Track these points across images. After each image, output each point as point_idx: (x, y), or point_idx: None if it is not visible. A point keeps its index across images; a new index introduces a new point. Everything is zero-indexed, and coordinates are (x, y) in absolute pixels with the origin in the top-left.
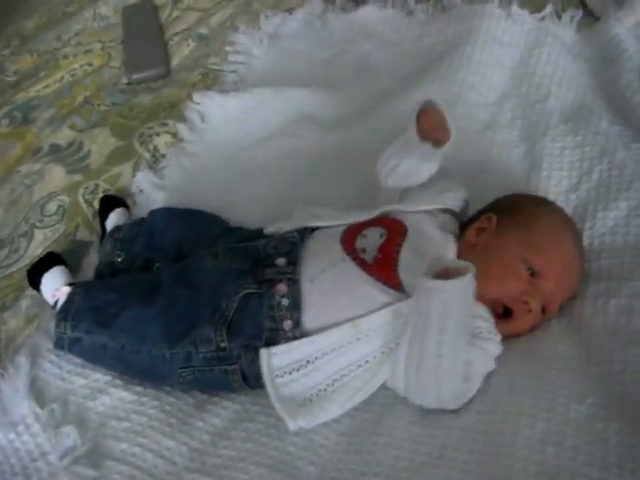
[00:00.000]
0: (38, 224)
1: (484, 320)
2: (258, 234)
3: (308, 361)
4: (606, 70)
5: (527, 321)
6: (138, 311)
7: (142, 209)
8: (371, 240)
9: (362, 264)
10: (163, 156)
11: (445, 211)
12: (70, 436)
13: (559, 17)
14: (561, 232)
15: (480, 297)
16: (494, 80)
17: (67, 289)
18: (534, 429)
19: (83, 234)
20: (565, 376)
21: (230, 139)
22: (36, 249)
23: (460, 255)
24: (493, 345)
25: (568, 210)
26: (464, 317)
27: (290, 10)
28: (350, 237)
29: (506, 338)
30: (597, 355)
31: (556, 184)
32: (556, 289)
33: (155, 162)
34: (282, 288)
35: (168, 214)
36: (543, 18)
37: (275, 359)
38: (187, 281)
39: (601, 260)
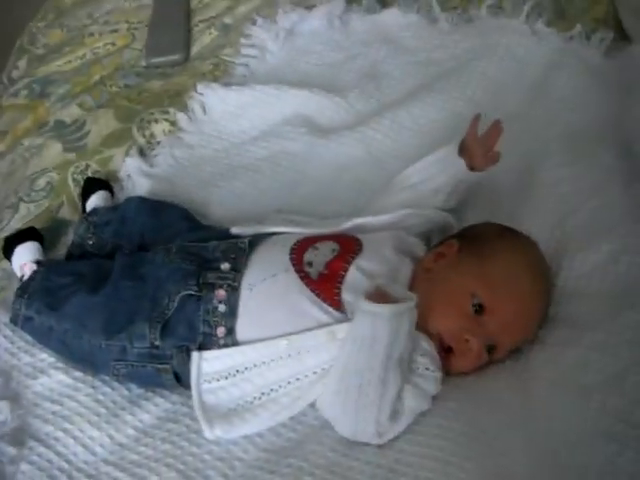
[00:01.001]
0: (25, 198)
1: (424, 355)
2: (222, 234)
3: (238, 370)
4: (627, 98)
5: (468, 360)
6: (84, 298)
7: (128, 195)
8: (321, 254)
9: (305, 278)
10: (158, 143)
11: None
12: (2, 412)
13: (588, 38)
14: (521, 270)
15: (424, 329)
16: (504, 99)
17: (33, 266)
18: (449, 477)
19: (66, 212)
20: (501, 427)
21: (225, 133)
22: (18, 222)
23: (413, 280)
24: (429, 383)
25: (549, 247)
26: (397, 347)
27: (310, 7)
28: (301, 248)
29: (452, 374)
30: (539, 409)
31: (542, 217)
32: (504, 330)
33: (149, 149)
34: (221, 294)
35: (141, 204)
36: (571, 38)
37: (205, 364)
38: (135, 274)
39: (571, 305)
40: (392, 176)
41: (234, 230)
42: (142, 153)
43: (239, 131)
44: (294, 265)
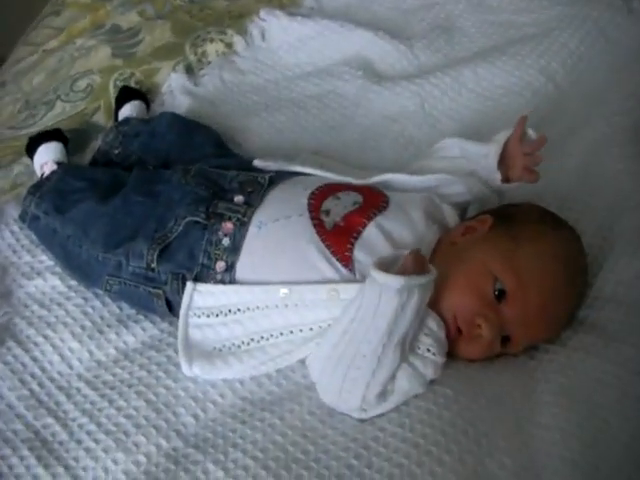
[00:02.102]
0: (63, 97)
1: (429, 335)
2: (245, 165)
3: (230, 310)
4: None
5: (477, 347)
6: (92, 206)
7: (166, 110)
8: (341, 204)
9: (318, 226)
10: (209, 63)
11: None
12: None
13: None
14: (555, 262)
15: (436, 306)
16: (580, 77)
17: (53, 166)
18: (422, 467)
19: (100, 118)
20: (494, 426)
21: (279, 64)
22: (50, 120)
23: (436, 250)
24: (428, 367)
25: (593, 245)
26: (402, 324)
27: None
28: (322, 195)
29: (458, 358)
30: (541, 416)
31: (593, 211)
32: (523, 324)
33: (198, 67)
34: (228, 227)
35: (174, 120)
36: None
37: (198, 297)
38: (148, 190)
39: (604, 311)
40: (442, 137)
41: (257, 163)
42: (190, 70)
43: (294, 64)
44: (310, 211)
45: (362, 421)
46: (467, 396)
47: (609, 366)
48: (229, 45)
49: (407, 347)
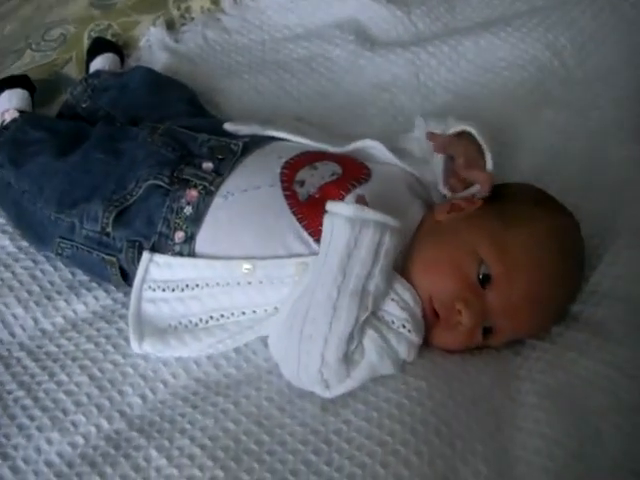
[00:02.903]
0: (34, 46)
1: (403, 308)
2: (219, 129)
3: (188, 285)
4: None
5: (455, 336)
6: (49, 160)
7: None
8: (317, 175)
9: (291, 198)
10: (192, 19)
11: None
12: None
13: None
14: (549, 248)
15: (413, 286)
16: (589, 54)
17: (15, 114)
18: (387, 469)
19: (72, 69)
20: (471, 428)
21: (268, 25)
22: (17, 70)
23: (419, 228)
24: (401, 343)
25: (594, 235)
26: (356, 265)
27: None
28: (297, 164)
29: (434, 347)
30: (523, 419)
31: (595, 200)
32: (508, 314)
33: (180, 23)
34: (192, 194)
35: (146, 75)
36: None
37: (154, 268)
38: (111, 147)
39: (600, 308)
40: (437, 109)
41: (227, 126)
42: (171, 26)
43: (283, 25)
44: (283, 181)
45: (324, 410)
46: (443, 392)
47: (603, 368)
48: (215, 2)
49: (369, 304)
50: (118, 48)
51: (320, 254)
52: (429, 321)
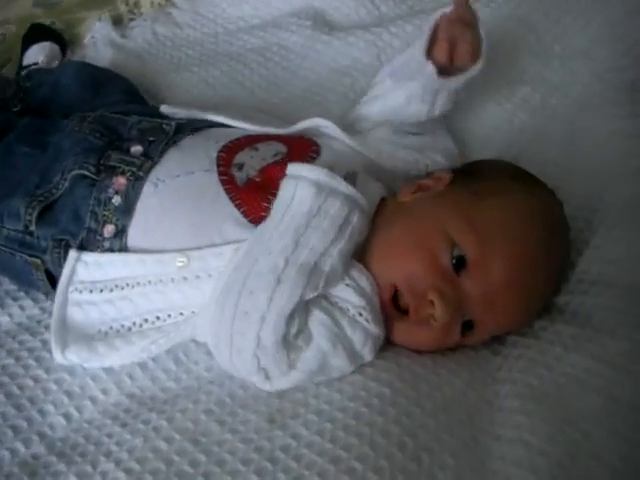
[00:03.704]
0: None
1: (359, 294)
2: (152, 112)
3: (117, 285)
4: None
5: (427, 334)
6: None
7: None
8: (258, 156)
9: (227, 183)
10: (141, 14)
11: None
12: None
13: None
14: (528, 223)
15: (378, 277)
16: (568, 30)
17: None
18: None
19: (10, 71)
20: (441, 442)
21: (222, 17)
22: None
23: (379, 211)
24: (357, 332)
25: (579, 217)
26: (315, 236)
27: None
28: (237, 147)
29: (402, 346)
30: (502, 427)
31: (580, 178)
32: (487, 301)
33: (128, 19)
34: (120, 182)
35: (81, 70)
36: None
37: (82, 268)
38: (37, 140)
39: (589, 297)
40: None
41: (164, 108)
42: (118, 21)
43: (238, 17)
44: (219, 165)
45: (270, 422)
46: (409, 398)
47: (593, 364)
48: None
49: (319, 284)
50: (58, 35)
51: (271, 218)
52: (390, 315)
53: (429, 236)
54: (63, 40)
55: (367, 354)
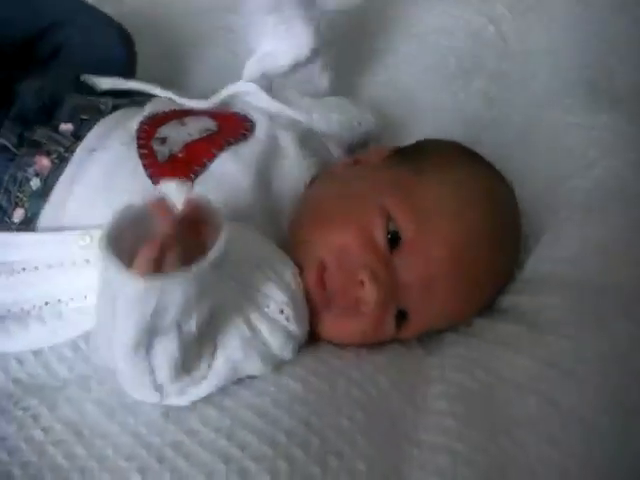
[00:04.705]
0: None
1: (282, 289)
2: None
3: (14, 269)
4: None
5: (355, 323)
6: None
7: None
8: (184, 131)
9: (147, 157)
10: None
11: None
12: None
13: None
14: (475, 204)
15: (297, 254)
16: (532, 27)
17: None
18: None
19: None
20: (352, 443)
21: (171, 2)
22: None
23: (310, 187)
24: (276, 334)
25: (531, 210)
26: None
27: None
28: (162, 119)
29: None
30: (422, 434)
31: (533, 171)
32: (425, 285)
33: None
34: (44, 164)
35: None
36: None
37: None
38: None
39: (538, 296)
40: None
41: (85, 77)
42: None
43: (187, 2)
44: (140, 138)
45: (166, 416)
46: (322, 395)
47: (535, 365)
48: None
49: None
50: None
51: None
52: (316, 305)
53: (363, 209)
54: None
55: (287, 355)
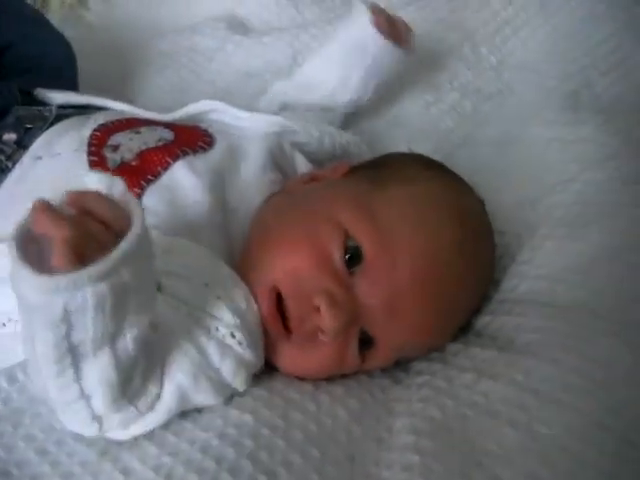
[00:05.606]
0: None
1: (232, 310)
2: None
3: None
4: None
5: (313, 354)
6: None
7: None
8: (139, 139)
9: (96, 165)
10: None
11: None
12: None
13: None
14: (444, 219)
15: (248, 277)
16: (508, 42)
17: None
18: None
19: None
20: (287, 475)
21: (138, 23)
22: None
23: (266, 205)
24: (227, 358)
25: (507, 228)
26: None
27: None
28: (116, 128)
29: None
30: (382, 471)
31: (511, 187)
32: (390, 308)
33: None
34: None
35: None
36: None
37: None
38: None
39: (515, 318)
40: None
41: (38, 92)
42: None
43: (153, 22)
44: (91, 145)
45: (103, 454)
46: (275, 429)
47: (511, 392)
48: None
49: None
50: None
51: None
52: (272, 334)
53: (316, 227)
54: None
55: (239, 385)
